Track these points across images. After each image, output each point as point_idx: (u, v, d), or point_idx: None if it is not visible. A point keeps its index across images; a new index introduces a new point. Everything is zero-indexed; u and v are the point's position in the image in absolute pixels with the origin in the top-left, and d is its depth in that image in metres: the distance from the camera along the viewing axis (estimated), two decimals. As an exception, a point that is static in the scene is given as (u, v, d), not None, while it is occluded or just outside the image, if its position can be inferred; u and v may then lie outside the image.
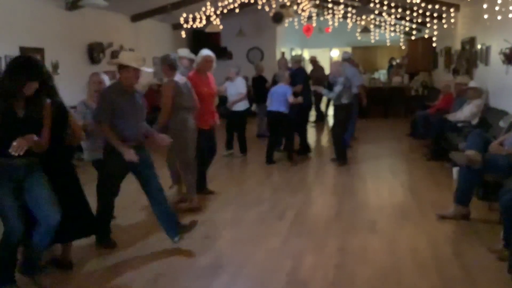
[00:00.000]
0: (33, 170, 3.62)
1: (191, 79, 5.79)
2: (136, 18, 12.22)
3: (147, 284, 3.87)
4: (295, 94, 8.25)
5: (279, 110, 8.11)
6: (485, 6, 7.71)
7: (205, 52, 6.02)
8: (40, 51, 8.85)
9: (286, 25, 15.25)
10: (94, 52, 10.30)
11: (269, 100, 8.45)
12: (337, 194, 6.46)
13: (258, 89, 10.90)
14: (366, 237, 4.82)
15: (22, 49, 8.39)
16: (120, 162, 4.28)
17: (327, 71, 13.10)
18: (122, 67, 4.32)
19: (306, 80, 9.18)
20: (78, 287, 3.87)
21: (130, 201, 5.88)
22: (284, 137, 8.86)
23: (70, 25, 9.61)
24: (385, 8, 12.38)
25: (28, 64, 3.50)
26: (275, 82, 8.91)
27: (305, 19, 15.60)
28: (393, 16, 14.02)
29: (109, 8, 9.44)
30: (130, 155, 4.25)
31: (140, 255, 4.40)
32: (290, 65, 9.66)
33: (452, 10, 10.90)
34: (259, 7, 12.97)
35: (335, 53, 22.98)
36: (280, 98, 8.10)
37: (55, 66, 9.13)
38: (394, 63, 18.11)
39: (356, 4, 13.58)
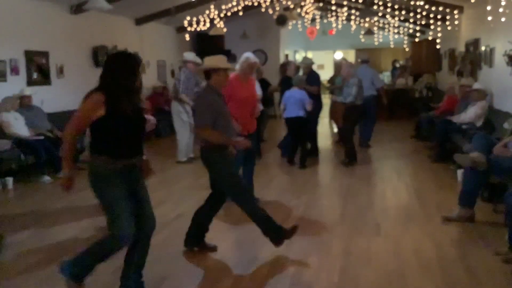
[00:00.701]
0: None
1: (231, 82, 5.25)
2: (140, 21, 12.27)
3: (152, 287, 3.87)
4: (310, 96, 8.20)
5: (298, 115, 8.00)
6: (489, 7, 7.70)
7: (249, 55, 5.66)
8: (45, 54, 8.91)
9: (290, 27, 15.27)
10: (99, 55, 10.35)
11: (283, 105, 8.25)
12: (342, 196, 6.46)
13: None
14: (370, 240, 4.81)
15: (27, 52, 8.44)
16: (231, 158, 4.35)
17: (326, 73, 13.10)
18: (212, 71, 4.30)
19: (319, 83, 9.15)
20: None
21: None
22: (308, 141, 8.78)
23: (74, 28, 9.66)
24: (388, 10, 12.38)
25: (134, 58, 3.43)
26: (286, 85, 8.61)
27: (309, 22, 15.62)
28: (396, 18, 14.03)
29: (113, 11, 9.49)
30: (244, 142, 4.37)
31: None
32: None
33: (456, 12, 10.89)
34: (263, 9, 13.01)
35: (339, 55, 22.98)
36: (297, 103, 7.99)
37: (60, 69, 9.18)
38: (397, 65, 18.09)
39: (359, 6, 13.59)
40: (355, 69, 8.29)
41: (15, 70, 8.15)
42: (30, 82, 8.53)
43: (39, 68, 8.79)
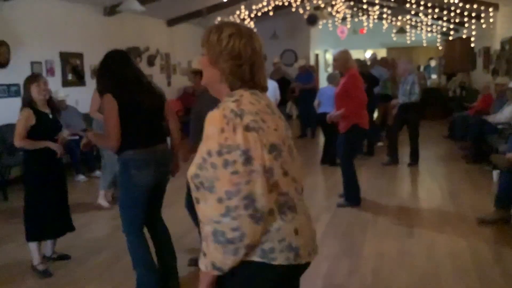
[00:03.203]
0: None
1: (357, 78, 5.74)
2: (172, 22, 12.41)
3: None
4: None
5: (327, 111, 7.95)
6: (526, 5, 7.52)
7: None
8: (80, 56, 9.09)
9: (320, 27, 15.20)
10: (131, 57, 10.48)
11: (318, 101, 8.41)
12: (374, 197, 6.39)
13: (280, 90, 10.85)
14: (403, 241, 4.76)
15: (62, 54, 8.63)
16: None
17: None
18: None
19: None
20: None
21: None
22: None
23: (108, 30, 9.83)
24: (421, 8, 12.21)
25: (122, 52, 3.63)
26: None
27: (340, 21, 15.52)
28: (429, 17, 13.79)
29: (146, 13, 9.62)
30: None
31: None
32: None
33: (491, 9, 10.66)
34: (293, 9, 12.98)
35: (369, 55, 22.75)
36: (331, 99, 7.97)
37: (94, 71, 9.34)
38: (432, 64, 17.85)
39: (391, 4, 13.43)
40: (412, 66, 8.15)
41: (50, 71, 8.34)
42: (65, 83, 8.72)
43: (74, 69, 8.98)
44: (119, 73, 3.42)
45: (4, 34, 7.32)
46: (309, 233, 1.86)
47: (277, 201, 1.72)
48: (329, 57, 18.50)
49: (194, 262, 4.18)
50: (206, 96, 4.16)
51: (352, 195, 5.91)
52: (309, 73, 11.86)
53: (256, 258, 1.72)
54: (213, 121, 1.68)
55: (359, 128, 5.73)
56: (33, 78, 4.22)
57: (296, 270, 1.82)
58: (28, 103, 4.12)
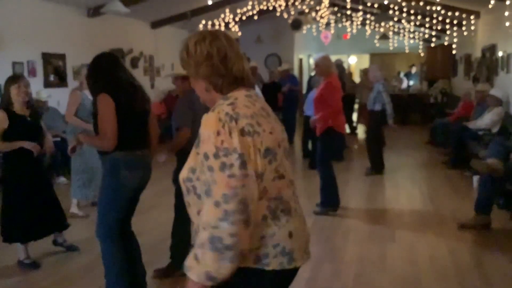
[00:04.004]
0: None
1: (334, 83, 5.77)
2: (156, 24, 12.36)
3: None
4: None
5: (308, 114, 8.05)
6: (506, 13, 7.65)
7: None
8: (62, 56, 9.00)
9: (304, 31, 15.28)
10: (121, 60, 10.42)
11: (306, 105, 8.50)
12: (356, 201, 6.44)
13: (271, 95, 10.87)
14: (385, 246, 4.79)
15: (44, 54, 8.54)
16: None
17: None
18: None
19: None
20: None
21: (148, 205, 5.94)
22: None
23: (91, 31, 9.75)
24: (404, 15, 12.34)
25: (110, 54, 3.62)
26: (310, 87, 8.89)
27: (324, 26, 15.62)
28: (412, 23, 13.97)
29: (129, 14, 9.57)
30: None
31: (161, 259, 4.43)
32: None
33: (472, 17, 10.82)
34: (278, 14, 13.03)
35: (353, 60, 22.92)
36: (312, 102, 8.02)
37: (77, 72, 9.26)
38: (413, 70, 18.03)
39: (375, 11, 13.56)
40: (380, 73, 8.13)
41: (32, 72, 8.24)
42: (47, 84, 8.62)
43: (56, 70, 8.89)
44: (113, 74, 3.39)
45: (-15, 34, 7.22)
46: (303, 236, 1.86)
47: (268, 207, 1.72)
48: (313, 61, 18.59)
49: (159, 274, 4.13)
50: (182, 102, 4.18)
51: (329, 198, 5.93)
52: (293, 77, 11.83)
53: (250, 264, 1.71)
54: (208, 124, 1.67)
55: (335, 131, 5.79)
56: (14, 79, 4.17)
57: (289, 274, 1.83)
58: (4, 105, 4.07)
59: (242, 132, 1.65)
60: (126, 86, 3.40)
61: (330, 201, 5.91)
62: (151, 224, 5.43)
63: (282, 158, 1.79)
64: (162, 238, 4.99)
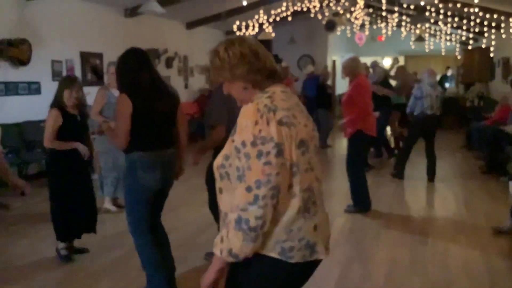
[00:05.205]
0: None
1: (362, 85, 5.73)
2: (191, 25, 12.51)
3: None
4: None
5: None
6: (547, 15, 7.45)
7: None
8: (99, 56, 9.21)
9: (338, 33, 15.21)
10: (150, 57, 10.58)
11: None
12: (388, 204, 6.37)
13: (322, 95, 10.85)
14: (416, 249, 4.74)
15: (82, 53, 8.75)
16: None
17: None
18: None
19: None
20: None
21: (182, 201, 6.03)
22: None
23: (128, 31, 9.94)
24: (441, 17, 12.15)
25: (143, 53, 3.53)
26: None
27: (358, 27, 15.49)
28: (449, 25, 13.73)
29: (165, 15, 9.71)
30: None
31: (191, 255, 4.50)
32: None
33: (511, 19, 10.58)
34: (312, 15, 13.00)
35: (387, 62, 22.67)
36: None
37: (109, 64, 9.45)
38: (449, 73, 17.71)
39: (411, 12, 13.39)
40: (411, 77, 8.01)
41: (70, 70, 8.45)
42: (85, 82, 8.82)
43: (93, 69, 9.10)
44: (136, 74, 3.40)
45: (26, 33, 7.45)
46: (326, 231, 1.94)
47: (302, 198, 1.79)
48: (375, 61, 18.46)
49: (210, 257, 4.25)
50: (215, 97, 4.22)
51: (360, 201, 5.90)
52: (316, 79, 11.59)
53: (273, 254, 1.79)
54: (247, 114, 1.76)
55: (364, 133, 5.75)
56: (69, 83, 4.23)
57: (310, 266, 1.88)
58: (58, 103, 4.18)
59: (279, 123, 1.72)
60: (149, 86, 3.41)
61: (361, 204, 5.89)
62: (182, 221, 5.51)
63: (313, 152, 1.86)
64: (194, 234, 5.09)
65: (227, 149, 1.84)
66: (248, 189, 1.68)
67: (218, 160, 1.86)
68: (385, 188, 7.24)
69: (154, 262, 3.54)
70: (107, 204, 5.95)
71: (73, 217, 4.31)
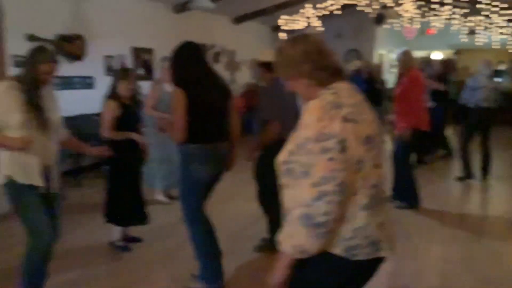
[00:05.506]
0: None
1: (416, 79, 5.67)
2: (238, 20, 12.56)
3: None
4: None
5: None
6: None
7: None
8: (150, 51, 9.39)
9: (387, 26, 14.93)
10: (203, 50, 10.70)
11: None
12: (440, 201, 6.24)
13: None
14: (470, 247, 4.64)
15: (133, 49, 8.95)
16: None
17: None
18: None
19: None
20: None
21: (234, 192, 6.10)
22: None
23: (177, 27, 10.09)
24: (494, 9, 11.75)
25: (197, 47, 3.61)
26: None
27: (407, 20, 15.17)
28: (502, 18, 13.26)
29: (213, 10, 9.79)
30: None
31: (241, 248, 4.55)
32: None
33: None
34: (360, 8, 12.83)
35: (438, 56, 22.12)
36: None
37: (161, 59, 9.62)
38: (502, 67, 17.14)
39: (462, 5, 13.01)
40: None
41: (122, 66, 8.65)
42: (136, 77, 9.02)
43: (144, 64, 9.30)
44: (190, 68, 3.47)
45: (80, 28, 7.67)
46: (391, 228, 1.92)
47: (368, 195, 1.77)
48: (394, 57, 18.12)
49: (258, 249, 4.41)
50: (268, 92, 4.23)
51: (409, 196, 5.80)
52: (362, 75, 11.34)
53: (338, 251, 1.78)
54: (312, 110, 1.76)
55: (416, 129, 5.64)
56: (124, 74, 4.34)
57: (374, 264, 1.87)
58: (114, 95, 4.30)
59: (344, 119, 1.71)
60: (200, 80, 3.47)
61: (410, 200, 5.80)
62: (230, 214, 5.57)
63: (379, 149, 1.84)
64: (242, 228, 5.14)
65: (291, 144, 1.83)
66: (314, 185, 1.67)
67: (282, 155, 1.86)
68: (437, 185, 7.09)
69: (206, 251, 3.62)
70: (159, 196, 6.08)
71: (127, 204, 4.43)
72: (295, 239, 1.72)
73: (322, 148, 1.67)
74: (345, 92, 1.82)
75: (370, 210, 1.77)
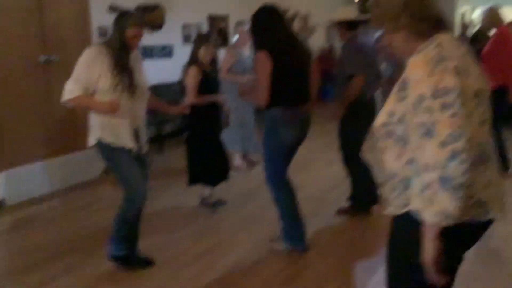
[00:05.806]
0: None
1: (505, 35, 5.42)
2: (312, -18, 12.28)
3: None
4: None
5: None
6: None
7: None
8: (225, 19, 9.44)
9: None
10: (281, 12, 10.58)
11: None
12: None
13: None
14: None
15: (210, 17, 9.02)
16: None
17: None
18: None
19: None
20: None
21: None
22: None
23: (251, -8, 10.01)
24: None
25: (275, 10, 3.58)
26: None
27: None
28: None
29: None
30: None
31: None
32: None
33: None
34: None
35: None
36: None
37: (238, 23, 9.61)
38: None
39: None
40: None
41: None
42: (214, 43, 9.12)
43: (220, 32, 9.36)
44: (271, 31, 3.45)
45: (158, -1, 7.80)
46: (500, 191, 1.78)
47: (475, 152, 1.62)
48: (476, 15, 17.07)
49: (341, 212, 4.45)
50: (351, 47, 4.16)
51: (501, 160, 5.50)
52: None
53: None
54: (418, 66, 1.66)
55: (507, 90, 5.31)
56: (204, 39, 4.43)
57: (481, 226, 1.76)
58: (195, 61, 4.38)
59: (455, 71, 1.60)
60: (284, 42, 3.45)
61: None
62: (312, 178, 5.59)
63: (487, 105, 1.72)
64: (324, 191, 5.15)
65: (390, 105, 1.73)
66: (442, 144, 1.55)
67: (381, 118, 1.76)
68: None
69: (290, 213, 3.66)
70: (237, 160, 6.18)
71: (211, 165, 4.56)
72: (437, 205, 1.58)
73: (442, 104, 1.56)
74: (449, 44, 1.70)
75: (477, 167, 1.64)
